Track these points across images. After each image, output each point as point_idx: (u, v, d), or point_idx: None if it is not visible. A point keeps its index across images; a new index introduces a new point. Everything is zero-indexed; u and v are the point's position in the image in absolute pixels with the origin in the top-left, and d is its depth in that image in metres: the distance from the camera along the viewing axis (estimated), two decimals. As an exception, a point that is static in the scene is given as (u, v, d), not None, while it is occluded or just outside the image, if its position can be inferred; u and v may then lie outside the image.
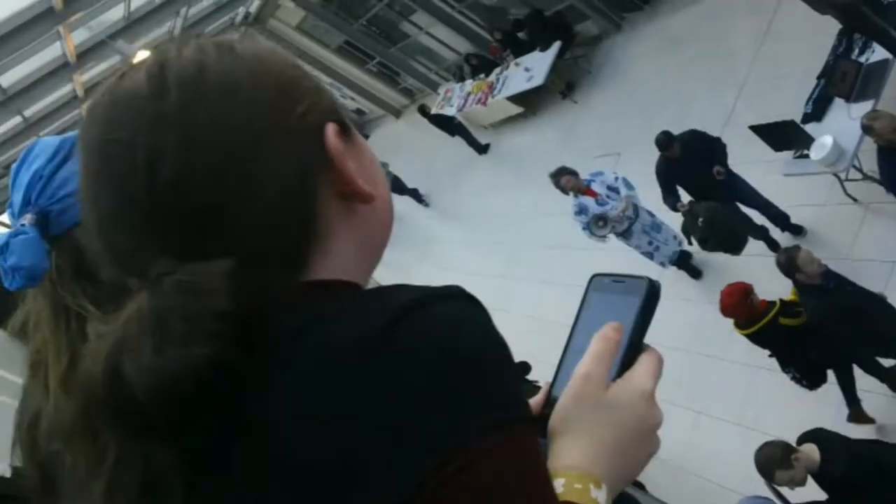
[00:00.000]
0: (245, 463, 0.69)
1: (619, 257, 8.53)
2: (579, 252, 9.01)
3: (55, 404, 1.05)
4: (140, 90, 0.76)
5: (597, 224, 7.97)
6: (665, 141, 7.72)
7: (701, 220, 7.10)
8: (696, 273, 8.56)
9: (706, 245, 7.25)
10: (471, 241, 14.02)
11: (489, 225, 13.69)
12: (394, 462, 0.64)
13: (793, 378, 6.09)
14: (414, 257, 13.93)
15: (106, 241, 0.78)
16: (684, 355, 7.33)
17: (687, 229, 7.69)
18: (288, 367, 0.69)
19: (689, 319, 7.57)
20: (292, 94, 0.81)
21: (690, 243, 7.97)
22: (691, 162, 7.63)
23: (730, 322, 7.63)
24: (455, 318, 0.71)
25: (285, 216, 0.77)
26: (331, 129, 0.81)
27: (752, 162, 7.52)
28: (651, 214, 8.23)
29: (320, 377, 0.68)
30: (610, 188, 8.03)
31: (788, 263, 5.54)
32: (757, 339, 6.08)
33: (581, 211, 8.06)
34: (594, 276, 0.95)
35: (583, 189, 8.05)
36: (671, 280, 8.24)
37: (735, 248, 7.24)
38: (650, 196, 8.14)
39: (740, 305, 5.86)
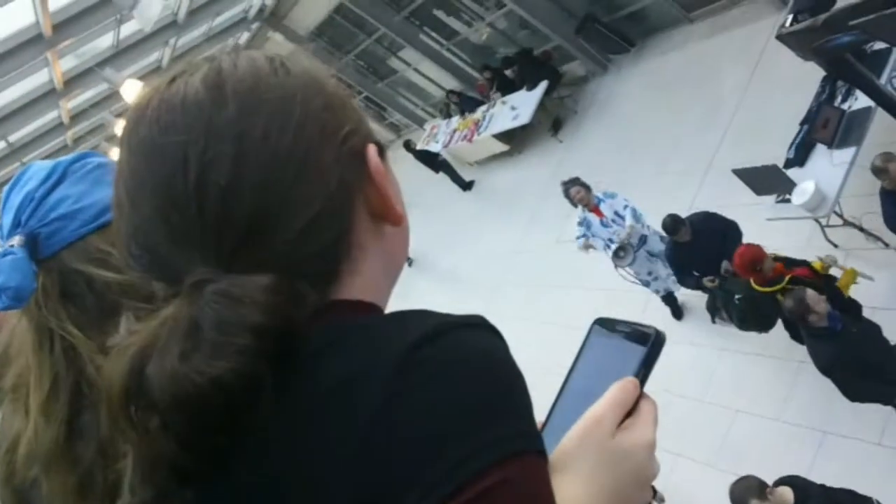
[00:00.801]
0: (245, 473, 0.69)
1: (600, 296, 8.56)
2: (562, 290, 9.02)
3: (35, 429, 1.04)
4: (198, 97, 0.77)
5: (617, 256, 8.01)
6: (672, 225, 7.18)
7: (738, 297, 6.49)
8: (678, 314, 8.57)
9: (744, 325, 6.62)
10: (451, 279, 13.97)
11: (471, 262, 13.66)
12: (409, 487, 0.64)
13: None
14: (392, 293, 13.76)
15: (140, 243, 0.78)
16: (663, 397, 7.30)
17: (713, 307, 7.07)
18: (307, 385, 0.70)
19: (668, 360, 7.41)
20: (340, 115, 0.82)
21: (714, 321, 7.28)
22: (703, 247, 7.14)
23: (709, 364, 7.68)
24: (475, 347, 0.72)
25: (325, 232, 0.77)
26: (372, 151, 0.84)
27: (734, 205, 7.55)
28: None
29: (338, 397, 0.68)
30: (617, 213, 8.08)
31: (799, 305, 5.21)
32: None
33: (583, 223, 8.16)
34: (598, 320, 0.94)
35: (591, 205, 8.13)
36: (652, 320, 8.18)
37: (770, 325, 6.63)
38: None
39: (747, 270, 6.10)
